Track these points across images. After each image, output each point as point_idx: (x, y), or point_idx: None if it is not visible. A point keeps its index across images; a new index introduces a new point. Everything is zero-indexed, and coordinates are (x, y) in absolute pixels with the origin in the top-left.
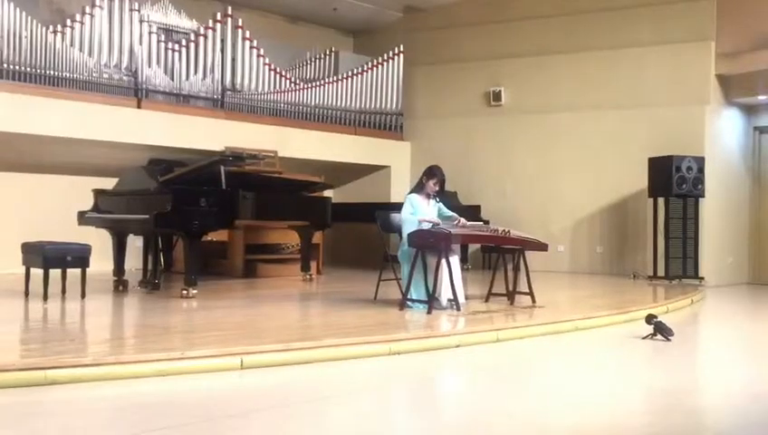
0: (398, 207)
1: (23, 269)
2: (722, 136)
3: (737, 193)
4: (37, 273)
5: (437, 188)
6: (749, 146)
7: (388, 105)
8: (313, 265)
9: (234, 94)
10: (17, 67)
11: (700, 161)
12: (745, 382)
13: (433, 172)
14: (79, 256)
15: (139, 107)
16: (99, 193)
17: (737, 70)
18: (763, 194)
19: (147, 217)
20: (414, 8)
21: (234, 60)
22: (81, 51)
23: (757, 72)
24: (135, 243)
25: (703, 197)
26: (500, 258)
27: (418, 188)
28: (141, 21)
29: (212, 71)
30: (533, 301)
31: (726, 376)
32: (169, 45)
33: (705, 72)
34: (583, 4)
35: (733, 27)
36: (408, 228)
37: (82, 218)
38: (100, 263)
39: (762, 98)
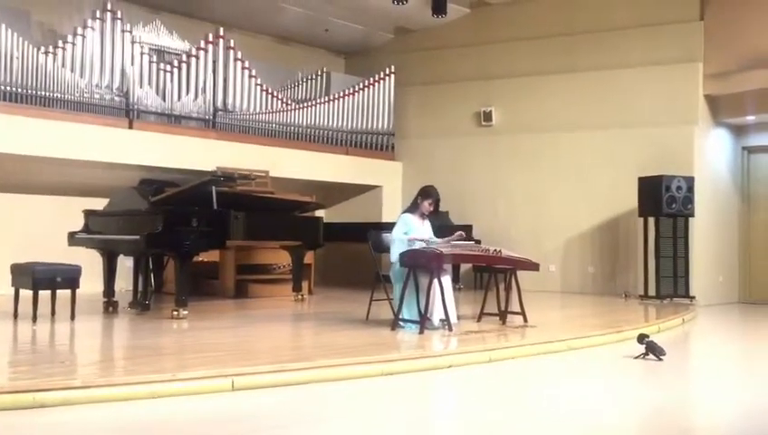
0: (389, 226)
1: (12, 291)
2: (711, 156)
3: (726, 212)
4: (26, 294)
5: (432, 209)
6: (738, 166)
7: (380, 125)
8: (305, 285)
9: (225, 115)
10: (9, 88)
11: (690, 181)
12: (737, 401)
13: (428, 193)
14: (69, 278)
15: (130, 127)
16: (89, 213)
17: (725, 90)
18: (752, 213)
19: (138, 237)
20: (405, 29)
21: (225, 80)
22: (72, 72)
23: (745, 92)
24: (125, 263)
25: (693, 216)
26: (491, 278)
27: (413, 207)
28: (133, 42)
29: (203, 91)
30: (525, 320)
31: (718, 395)
32: (161, 66)
33: (693, 93)
34: (573, 26)
35: (720, 48)
36: (397, 248)
37: (73, 239)
38: (90, 284)
39: (750, 118)
